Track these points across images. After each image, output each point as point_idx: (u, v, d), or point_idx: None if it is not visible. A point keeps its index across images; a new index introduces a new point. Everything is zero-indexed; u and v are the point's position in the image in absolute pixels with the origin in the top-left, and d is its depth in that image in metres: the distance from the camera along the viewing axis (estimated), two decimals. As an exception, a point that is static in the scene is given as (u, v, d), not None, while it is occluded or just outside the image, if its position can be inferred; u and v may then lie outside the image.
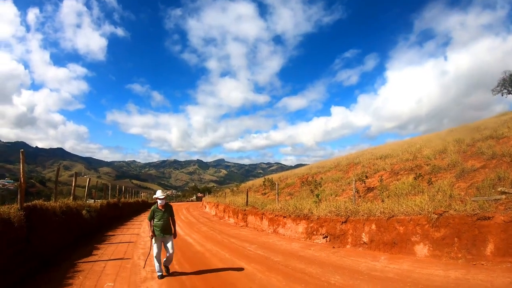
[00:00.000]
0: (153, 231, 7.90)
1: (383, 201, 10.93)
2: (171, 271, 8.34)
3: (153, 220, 8.01)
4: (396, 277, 6.68)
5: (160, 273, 7.81)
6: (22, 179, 8.00)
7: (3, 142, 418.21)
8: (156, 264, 7.81)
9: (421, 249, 8.26)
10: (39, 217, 8.49)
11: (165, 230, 7.93)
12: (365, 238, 9.83)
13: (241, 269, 8.41)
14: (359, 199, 12.49)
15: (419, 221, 8.42)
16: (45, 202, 9.69)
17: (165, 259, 8.05)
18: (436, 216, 8.13)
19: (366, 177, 14.98)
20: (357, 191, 12.89)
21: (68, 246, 10.92)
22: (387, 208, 9.68)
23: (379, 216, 9.60)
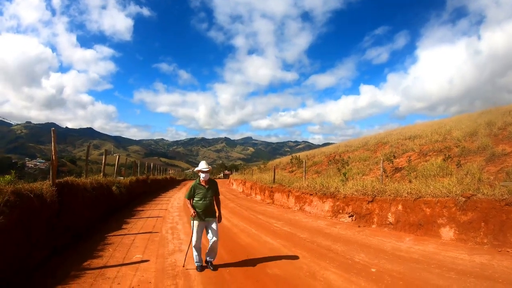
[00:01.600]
0: (195, 210, 6.42)
1: (410, 181, 10.77)
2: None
3: (193, 200, 6.55)
4: (421, 259, 6.65)
5: (199, 263, 6.48)
6: (53, 156, 8.20)
7: (33, 124, 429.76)
8: (195, 253, 6.46)
9: (447, 232, 8.14)
10: (71, 192, 8.72)
11: (208, 212, 6.43)
12: (391, 219, 9.76)
13: (267, 244, 8.55)
14: (386, 179, 12.36)
15: (446, 203, 8.27)
16: (76, 179, 9.95)
17: (207, 250, 6.62)
18: (463, 199, 7.96)
19: (394, 157, 14.80)
20: (385, 171, 12.75)
21: (98, 220, 11.23)
22: (414, 189, 9.54)
23: (406, 196, 9.49)
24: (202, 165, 6.62)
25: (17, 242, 5.80)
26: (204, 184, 6.56)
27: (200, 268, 6.46)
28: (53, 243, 7.41)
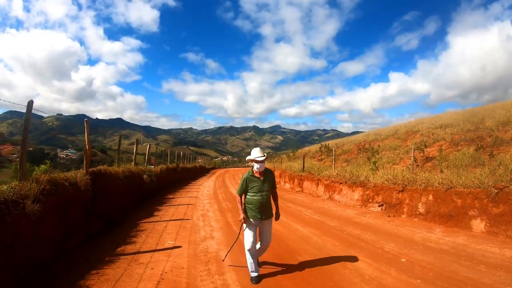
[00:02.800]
0: (245, 212, 5.43)
1: (441, 171, 10.56)
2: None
3: (245, 195, 5.56)
4: (451, 250, 6.56)
5: (256, 274, 5.41)
6: (87, 146, 8.42)
7: (64, 115, 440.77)
8: (250, 260, 5.40)
9: (478, 224, 7.95)
10: (104, 181, 8.93)
11: (264, 209, 5.36)
12: (421, 209, 9.63)
13: (297, 231, 8.62)
14: (417, 169, 12.18)
15: (478, 194, 8.06)
16: (109, 167, 10.15)
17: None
18: (496, 190, 7.74)
19: (425, 146, 14.55)
20: (415, 160, 12.54)
21: (131, 207, 11.48)
22: (445, 179, 9.35)
23: (437, 186, 9.31)
24: (256, 153, 5.43)
25: (54, 228, 6.01)
26: (258, 175, 5.43)
27: (256, 280, 5.33)
28: (88, 230, 7.65)
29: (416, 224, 9.06)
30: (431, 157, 13.42)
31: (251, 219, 5.42)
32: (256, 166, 5.39)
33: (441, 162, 11.63)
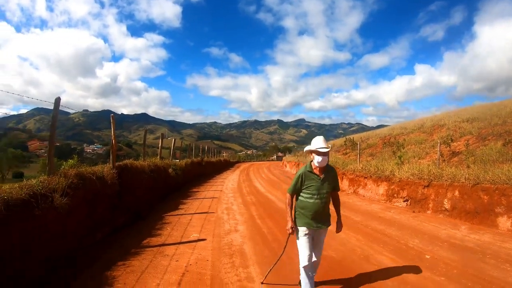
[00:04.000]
0: (294, 219, 4.34)
1: (468, 166, 10.32)
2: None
3: (297, 197, 4.41)
4: (476, 248, 6.44)
5: None
6: (113, 141, 8.56)
7: (90, 111, 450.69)
8: (305, 280, 4.29)
9: (504, 222, 7.74)
10: (130, 175, 9.07)
11: (321, 216, 4.28)
12: (446, 205, 9.46)
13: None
14: (443, 163, 11.95)
15: (505, 191, 7.85)
16: (135, 162, 10.31)
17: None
18: (523, 187, 7.59)
19: (452, 140, 14.30)
20: (441, 155, 12.34)
21: (156, 201, 11.62)
22: (472, 174, 9.13)
23: (463, 182, 9.12)
24: (319, 143, 4.22)
25: (81, 220, 6.16)
26: (318, 172, 4.25)
27: None
28: (114, 222, 7.81)
29: (441, 220, 8.93)
30: (458, 151, 13.20)
31: (304, 227, 4.26)
32: (316, 159, 4.18)
33: (468, 157, 11.41)
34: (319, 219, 4.30)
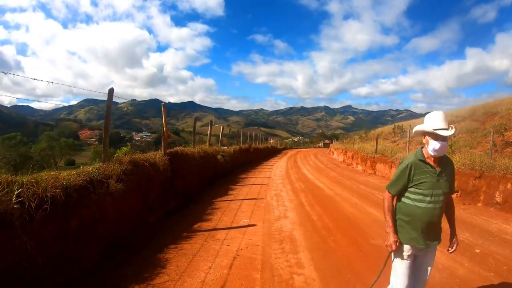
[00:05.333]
0: (394, 231, 3.07)
1: (523, 158, 9.90)
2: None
3: (401, 197, 3.12)
4: (528, 244, 6.18)
5: None
6: (164, 128, 8.74)
7: (138, 101, 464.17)
8: None
9: None
10: (180, 161, 9.24)
11: (434, 228, 3.07)
12: (498, 198, 9.05)
13: (370, 214, 8.47)
14: (496, 154, 11.53)
15: None
16: (185, 148, 10.51)
17: None
18: None
19: (505, 129, 13.71)
20: (494, 145, 11.82)
21: (206, 186, 11.82)
22: (527, 166, 8.71)
23: (517, 175, 8.71)
24: (438, 121, 2.92)
25: (135, 205, 6.35)
26: (433, 163, 2.99)
27: None
28: (166, 207, 8.01)
29: (492, 214, 8.59)
30: None
31: (408, 245, 3.01)
32: (432, 145, 2.88)
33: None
34: (430, 233, 2.98)
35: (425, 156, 2.97)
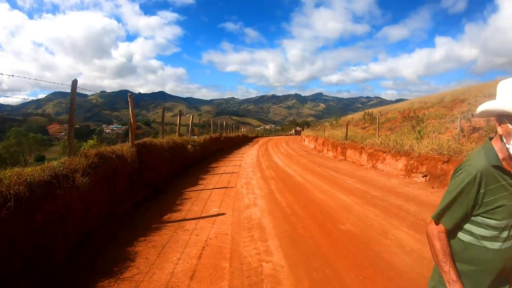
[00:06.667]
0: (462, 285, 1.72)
1: (488, 143, 10.21)
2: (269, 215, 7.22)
3: (457, 231, 1.84)
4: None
5: None
6: (131, 120, 8.71)
7: (107, 92, 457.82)
8: None
9: None
10: (149, 152, 9.22)
11: (505, 274, 1.78)
12: (465, 181, 9.32)
13: (340, 201, 8.58)
14: (463, 139, 11.87)
15: None
16: (153, 139, 10.49)
17: None
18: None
19: (472, 115, 14.11)
20: (462, 130, 12.26)
21: (176, 177, 11.79)
22: (492, 150, 9.01)
23: (483, 158, 9.00)
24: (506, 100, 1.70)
25: (103, 197, 6.32)
26: None
27: None
28: (135, 198, 7.98)
29: (460, 197, 8.87)
30: (478, 127, 13.02)
31: None
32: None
33: (489, 133, 11.23)
34: (498, 281, 1.83)
35: (502, 158, 1.76)
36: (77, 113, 6.66)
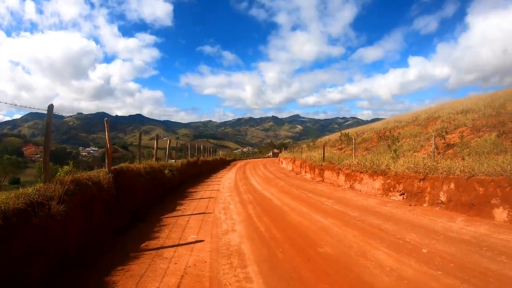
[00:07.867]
0: None
1: (463, 159, 10.39)
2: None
3: None
4: (472, 240, 6.49)
5: None
6: (108, 145, 8.64)
7: (85, 114, 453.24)
8: None
9: (500, 213, 7.77)
10: (126, 178, 9.13)
11: None
12: (442, 198, 9.50)
13: (318, 222, 8.58)
14: (438, 156, 12.04)
15: (500, 182, 7.88)
16: (130, 165, 10.38)
17: None
18: (518, 178, 7.59)
19: (446, 132, 14.42)
20: (436, 148, 12.44)
21: (154, 202, 11.64)
22: (467, 166, 9.17)
23: (458, 174, 9.15)
24: None
25: (80, 226, 6.21)
26: None
27: None
28: (112, 225, 7.87)
29: (437, 213, 8.98)
30: (453, 144, 13.29)
31: None
32: None
33: (463, 149, 11.49)
34: None
35: None
36: (53, 135, 6.60)
